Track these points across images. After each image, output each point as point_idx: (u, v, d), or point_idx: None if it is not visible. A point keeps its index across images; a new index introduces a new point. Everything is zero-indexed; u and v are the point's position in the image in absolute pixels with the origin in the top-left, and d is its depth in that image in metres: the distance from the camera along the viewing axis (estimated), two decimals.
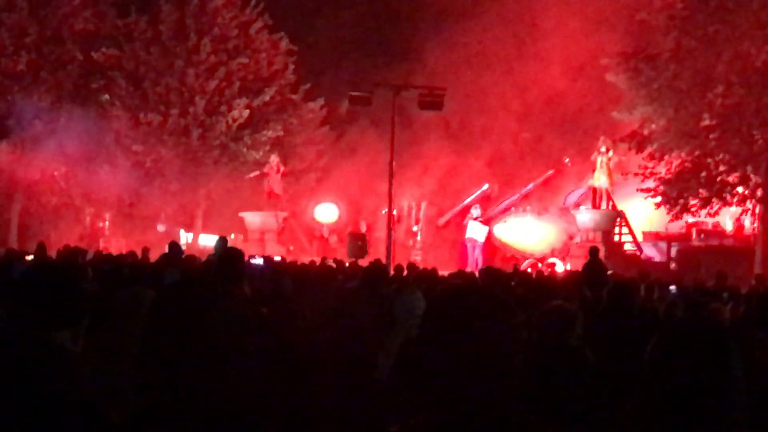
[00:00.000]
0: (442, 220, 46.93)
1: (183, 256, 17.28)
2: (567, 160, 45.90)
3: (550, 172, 46.59)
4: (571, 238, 39.66)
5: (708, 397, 3.72)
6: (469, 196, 45.99)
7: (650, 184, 35.46)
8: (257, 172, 43.19)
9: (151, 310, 4.55)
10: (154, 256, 25.30)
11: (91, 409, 4.09)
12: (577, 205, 42.55)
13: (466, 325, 3.57)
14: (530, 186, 46.13)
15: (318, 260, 27.41)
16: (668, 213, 35.47)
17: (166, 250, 17.50)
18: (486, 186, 47.17)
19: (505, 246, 41.92)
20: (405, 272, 20.21)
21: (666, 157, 34.77)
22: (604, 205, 37.81)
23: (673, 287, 18.31)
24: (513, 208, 43.73)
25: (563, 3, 44.32)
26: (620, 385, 6.24)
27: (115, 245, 41.89)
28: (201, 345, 4.04)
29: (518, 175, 46.57)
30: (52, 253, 25.14)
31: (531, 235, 41.64)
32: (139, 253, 25.09)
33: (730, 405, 3.76)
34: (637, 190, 36.29)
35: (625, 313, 9.46)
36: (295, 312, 9.13)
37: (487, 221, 40.17)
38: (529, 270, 29.41)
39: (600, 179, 37.46)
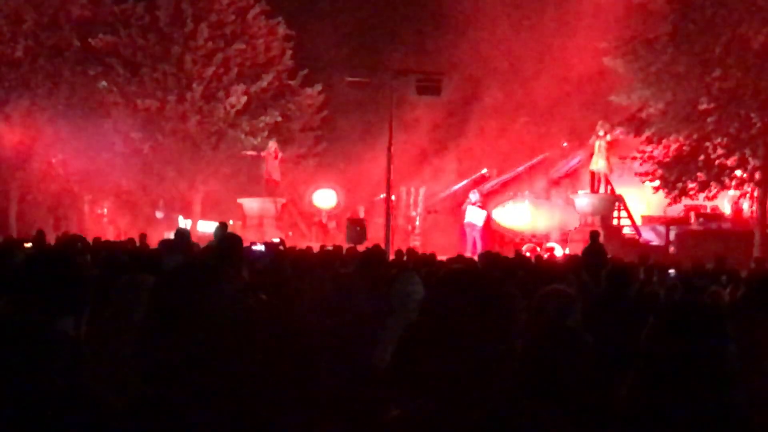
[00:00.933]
0: (430, 206, 46.89)
1: (189, 243, 17.25)
2: (565, 144, 45.92)
3: (537, 158, 46.77)
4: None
5: (703, 378, 3.73)
6: (468, 181, 46.16)
7: (648, 167, 35.48)
8: (254, 152, 43.28)
9: (150, 295, 4.55)
10: (152, 243, 25.33)
11: (94, 396, 4.10)
12: (567, 175, 42.73)
13: (466, 310, 3.57)
14: (519, 168, 46.41)
15: (316, 246, 27.47)
16: (666, 196, 35.53)
17: (171, 236, 17.49)
18: (485, 170, 47.26)
19: (505, 230, 42.06)
20: (405, 257, 20.22)
21: (664, 141, 34.79)
22: (602, 190, 37.84)
23: (672, 271, 18.32)
24: (511, 193, 43.85)
25: None
26: (619, 368, 6.25)
27: (114, 232, 41.94)
28: (200, 331, 4.05)
29: (517, 160, 46.58)
30: (51, 241, 25.15)
31: (529, 219, 41.79)
32: (137, 240, 25.14)
33: (725, 386, 3.77)
34: (636, 173, 36.34)
35: (623, 296, 9.47)
36: (294, 298, 9.12)
37: (485, 206, 40.15)
38: (528, 254, 29.45)
39: (598, 163, 37.49)
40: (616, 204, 38.85)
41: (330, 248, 24.55)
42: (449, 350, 3.54)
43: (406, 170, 44.35)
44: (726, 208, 39.59)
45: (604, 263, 17.49)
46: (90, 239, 23.92)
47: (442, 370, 3.56)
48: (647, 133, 35.17)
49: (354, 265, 12.55)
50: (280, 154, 42.59)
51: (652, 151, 35.23)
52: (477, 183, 44.35)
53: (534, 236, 39.98)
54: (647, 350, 3.93)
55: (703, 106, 33.25)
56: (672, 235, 37.93)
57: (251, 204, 42.83)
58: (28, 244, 19.76)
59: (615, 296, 9.49)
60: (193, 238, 24.14)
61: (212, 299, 4.00)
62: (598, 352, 5.98)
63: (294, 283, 9.93)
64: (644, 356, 3.96)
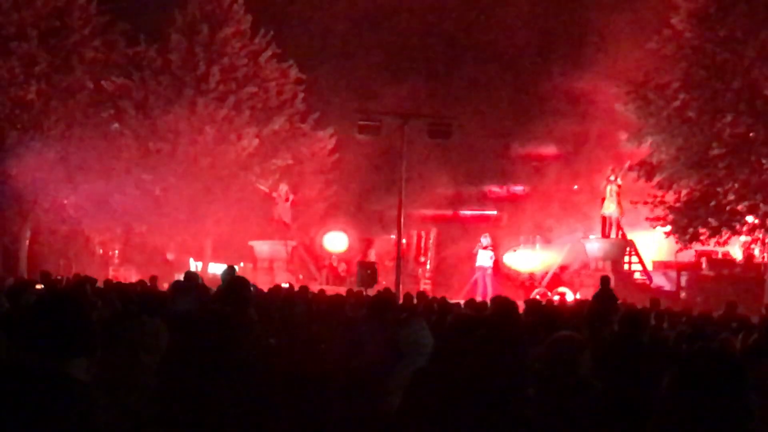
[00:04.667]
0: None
1: (199, 285, 17.24)
2: (575, 186, 45.88)
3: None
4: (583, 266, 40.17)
5: (725, 427, 3.71)
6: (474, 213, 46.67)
7: (659, 212, 35.38)
8: (266, 189, 43.32)
9: (169, 338, 4.56)
10: (163, 285, 25.33)
11: None
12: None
13: (478, 357, 3.55)
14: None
15: (327, 289, 27.50)
16: (677, 242, 35.40)
17: (181, 278, 17.49)
18: (495, 212, 47.39)
19: (516, 273, 42.18)
20: (415, 301, 20.18)
21: (675, 186, 34.73)
22: (613, 234, 37.84)
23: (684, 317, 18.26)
24: (522, 238, 43.82)
25: (574, 32, 44.60)
26: (631, 415, 6.21)
27: (125, 274, 41.91)
28: (218, 373, 4.05)
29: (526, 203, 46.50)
30: (60, 282, 25.13)
31: (539, 264, 41.89)
32: (147, 282, 25.13)
33: None
34: (646, 218, 36.23)
35: (636, 343, 9.44)
36: (305, 342, 9.11)
37: (495, 249, 40.06)
38: (539, 298, 29.42)
39: (609, 208, 37.52)
40: (627, 249, 38.83)
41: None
42: (460, 397, 3.52)
43: (417, 214, 44.42)
44: (737, 254, 39.44)
45: (615, 308, 17.47)
46: (101, 281, 23.96)
47: (452, 417, 3.54)
48: (658, 178, 35.12)
49: (364, 309, 12.54)
50: (291, 197, 42.65)
51: (663, 196, 35.14)
52: (491, 229, 44.10)
53: (544, 279, 40.06)
54: (669, 397, 3.91)
55: (714, 152, 33.19)
56: (683, 281, 37.82)
57: (262, 246, 42.87)
58: (39, 286, 19.81)
59: (628, 342, 9.45)
60: (204, 281, 24.19)
61: (230, 344, 4.01)
62: (611, 398, 5.95)
63: (304, 327, 9.92)
64: (666, 403, 3.93)
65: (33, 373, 4.15)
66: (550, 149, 48.49)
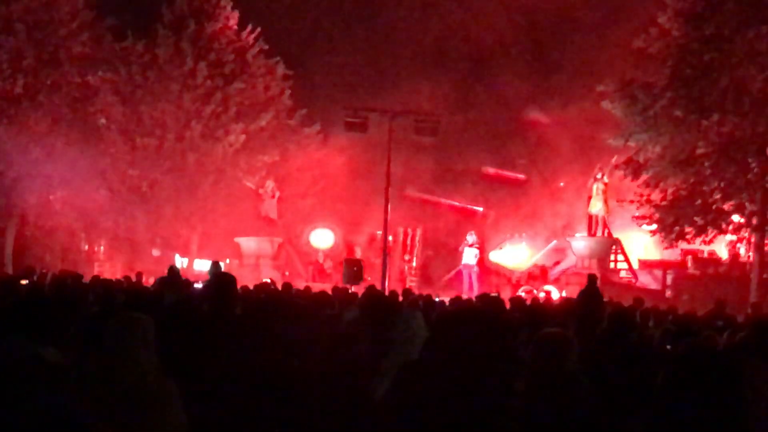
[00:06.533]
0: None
1: (182, 280, 17.27)
2: (561, 183, 45.93)
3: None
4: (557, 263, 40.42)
5: (722, 423, 3.73)
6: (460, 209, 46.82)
7: (645, 211, 35.44)
8: (252, 186, 43.32)
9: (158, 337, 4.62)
10: (149, 281, 25.30)
11: (73, 420, 4.16)
12: None
13: (468, 350, 3.56)
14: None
15: (313, 286, 27.50)
16: (663, 240, 35.46)
17: (164, 273, 17.52)
18: (481, 209, 47.46)
19: (503, 270, 42.25)
20: (400, 298, 20.17)
21: (661, 185, 34.79)
22: (599, 233, 37.87)
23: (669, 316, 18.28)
24: (508, 235, 43.94)
25: (562, 31, 44.71)
26: (618, 411, 6.23)
27: (110, 269, 41.82)
28: (206, 372, 4.07)
29: (513, 201, 46.54)
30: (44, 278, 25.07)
31: (525, 260, 41.98)
32: (133, 278, 25.12)
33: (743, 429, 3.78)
34: (633, 217, 36.29)
35: (624, 341, 9.46)
36: (293, 339, 9.10)
37: (481, 246, 40.09)
38: (524, 295, 29.49)
39: (596, 206, 37.55)
40: (614, 247, 38.87)
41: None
42: (448, 390, 3.52)
43: (404, 210, 44.41)
44: (723, 253, 39.53)
45: (601, 307, 17.50)
46: (87, 276, 23.92)
47: (440, 410, 3.54)
48: (644, 177, 35.19)
49: (353, 307, 12.53)
50: (277, 193, 42.62)
51: (649, 195, 35.20)
52: (478, 227, 44.15)
53: (531, 277, 40.11)
54: (664, 394, 3.92)
55: (700, 151, 33.27)
56: (669, 280, 37.88)
57: (248, 243, 42.80)
58: (24, 281, 19.77)
59: (617, 340, 9.47)
60: (190, 277, 24.15)
61: (215, 341, 4.02)
62: (599, 395, 5.96)
63: (291, 323, 9.91)
64: (661, 399, 3.94)
65: (7, 352, 4.27)
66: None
